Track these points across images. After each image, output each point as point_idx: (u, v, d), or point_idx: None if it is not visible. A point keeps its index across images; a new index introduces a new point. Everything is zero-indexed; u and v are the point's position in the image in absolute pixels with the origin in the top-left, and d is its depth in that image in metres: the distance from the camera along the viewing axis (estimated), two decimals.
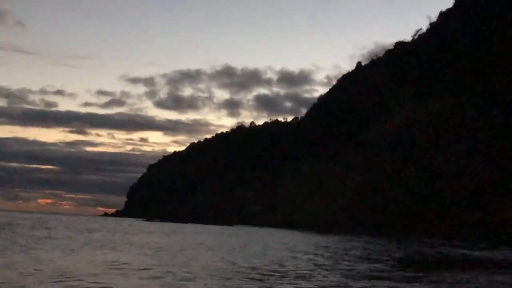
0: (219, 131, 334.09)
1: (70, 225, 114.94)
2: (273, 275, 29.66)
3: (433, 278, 31.43)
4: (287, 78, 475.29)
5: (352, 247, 66.92)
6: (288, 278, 28.80)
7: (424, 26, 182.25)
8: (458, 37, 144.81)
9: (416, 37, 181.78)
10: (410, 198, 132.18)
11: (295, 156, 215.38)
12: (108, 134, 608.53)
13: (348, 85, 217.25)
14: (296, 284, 25.97)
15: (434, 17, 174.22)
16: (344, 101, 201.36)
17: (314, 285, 25.76)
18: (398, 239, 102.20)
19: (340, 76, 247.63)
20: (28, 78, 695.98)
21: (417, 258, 53.05)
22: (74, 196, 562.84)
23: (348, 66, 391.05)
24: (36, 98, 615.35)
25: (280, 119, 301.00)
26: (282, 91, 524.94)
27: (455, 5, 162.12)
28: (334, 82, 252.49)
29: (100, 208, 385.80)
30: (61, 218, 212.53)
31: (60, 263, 31.23)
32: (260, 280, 26.24)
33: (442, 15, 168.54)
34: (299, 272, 31.90)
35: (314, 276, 29.96)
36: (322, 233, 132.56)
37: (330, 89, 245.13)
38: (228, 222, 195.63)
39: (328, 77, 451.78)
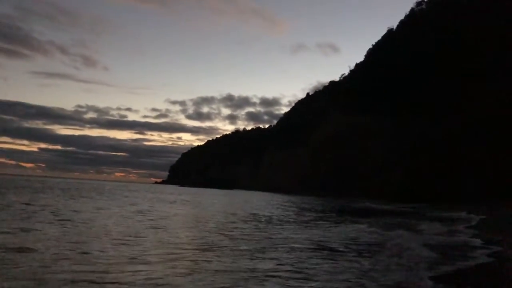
0: (224, 133, 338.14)
1: (140, 188, 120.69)
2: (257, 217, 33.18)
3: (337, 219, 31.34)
4: (265, 102, 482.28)
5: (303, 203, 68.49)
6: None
7: (346, 71, 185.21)
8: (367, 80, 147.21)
9: (341, 78, 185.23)
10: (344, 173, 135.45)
11: (270, 148, 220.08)
12: (158, 134, 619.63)
13: (301, 105, 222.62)
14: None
15: (352, 66, 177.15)
16: (299, 116, 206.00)
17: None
18: (335, 199, 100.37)
19: (296, 100, 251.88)
20: (110, 100, 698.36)
21: (337, 209, 50.75)
22: (137, 171, 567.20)
23: (301, 94, 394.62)
24: (114, 112, 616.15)
25: (261, 126, 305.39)
26: (262, 109, 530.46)
27: (364, 60, 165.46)
28: (293, 104, 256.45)
29: (152, 179, 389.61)
30: (130, 184, 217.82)
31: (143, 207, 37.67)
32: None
33: (357, 65, 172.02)
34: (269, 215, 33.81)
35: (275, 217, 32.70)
36: (286, 194, 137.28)
37: (291, 109, 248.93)
38: (229, 187, 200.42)
39: (289, 101, 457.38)
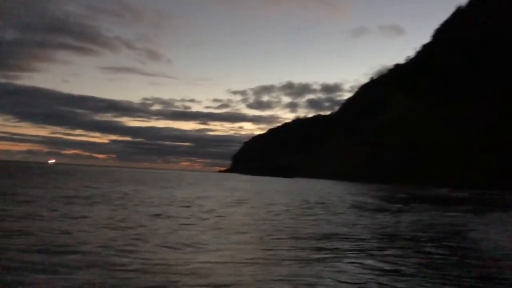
0: (284, 122, 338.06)
1: (203, 176, 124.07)
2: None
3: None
4: (326, 88, 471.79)
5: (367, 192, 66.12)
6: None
7: (411, 53, 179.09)
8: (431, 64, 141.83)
9: (407, 60, 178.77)
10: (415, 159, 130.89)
11: (332, 135, 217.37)
12: (220, 124, 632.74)
13: (363, 91, 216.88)
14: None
15: (418, 48, 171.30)
16: (361, 102, 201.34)
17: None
18: (407, 186, 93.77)
19: (359, 85, 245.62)
20: (174, 92, 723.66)
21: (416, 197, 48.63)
22: (201, 160, 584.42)
23: (364, 79, 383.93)
24: (179, 104, 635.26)
25: (322, 113, 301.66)
26: (323, 96, 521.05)
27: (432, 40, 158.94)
28: (355, 90, 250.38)
29: (216, 168, 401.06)
30: (195, 173, 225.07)
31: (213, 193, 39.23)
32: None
33: (423, 46, 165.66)
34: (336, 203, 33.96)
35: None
36: (349, 181, 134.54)
37: (353, 94, 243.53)
38: (291, 175, 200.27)
39: (351, 87, 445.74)
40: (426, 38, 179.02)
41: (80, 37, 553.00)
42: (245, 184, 71.80)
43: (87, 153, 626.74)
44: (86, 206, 19.59)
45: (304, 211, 23.92)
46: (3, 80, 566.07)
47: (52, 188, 32.14)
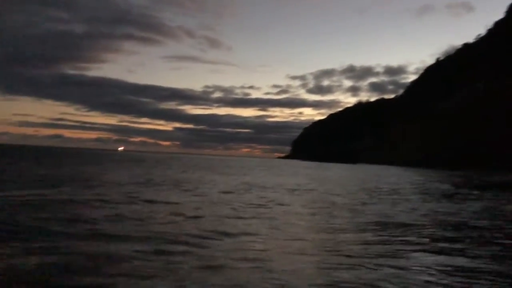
0: (346, 106, 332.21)
1: (265, 162, 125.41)
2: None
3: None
4: (389, 70, 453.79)
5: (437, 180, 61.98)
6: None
7: (482, 32, 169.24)
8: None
9: (477, 39, 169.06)
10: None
11: (396, 119, 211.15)
12: (280, 110, 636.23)
13: (430, 72, 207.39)
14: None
15: (490, 25, 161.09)
16: (427, 84, 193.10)
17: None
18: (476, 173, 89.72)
19: (424, 67, 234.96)
20: (234, 79, 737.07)
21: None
22: (261, 147, 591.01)
23: (430, 60, 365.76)
24: (238, 91, 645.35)
25: (386, 97, 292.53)
26: (386, 79, 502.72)
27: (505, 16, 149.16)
28: (421, 71, 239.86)
29: (276, 154, 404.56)
30: (256, 159, 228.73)
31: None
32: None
33: (496, 24, 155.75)
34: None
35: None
36: (417, 168, 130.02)
37: (419, 76, 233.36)
38: (352, 161, 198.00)
39: (417, 68, 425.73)
40: (499, 15, 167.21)
41: (144, 28, 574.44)
42: (309, 170, 72.24)
43: (152, 141, 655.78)
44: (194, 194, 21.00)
45: (375, 198, 23.55)
46: (73, 72, 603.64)
47: (147, 174, 34.45)
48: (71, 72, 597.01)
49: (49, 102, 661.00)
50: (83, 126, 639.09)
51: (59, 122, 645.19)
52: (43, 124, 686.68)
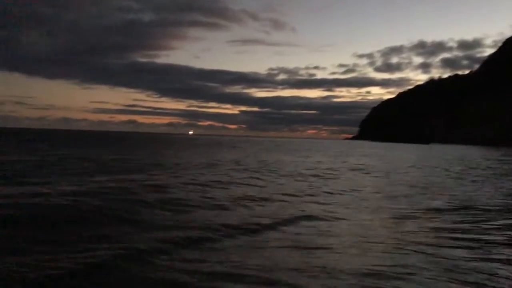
0: (416, 84, 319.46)
1: (332, 144, 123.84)
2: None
3: None
4: (464, 45, 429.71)
5: None
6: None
7: None
8: None
9: None
10: None
11: (471, 96, 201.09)
12: (346, 90, 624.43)
13: (509, 45, 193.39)
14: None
15: None
16: (507, 58, 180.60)
17: None
18: None
19: (503, 39, 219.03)
20: (298, 60, 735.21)
21: None
22: (327, 128, 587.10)
23: (510, 32, 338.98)
24: (303, 72, 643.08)
25: (460, 73, 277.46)
26: (460, 54, 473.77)
27: None
28: (499, 44, 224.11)
29: (343, 135, 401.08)
30: (322, 141, 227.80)
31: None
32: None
33: None
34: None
35: None
36: (493, 147, 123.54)
37: (497, 49, 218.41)
38: (424, 141, 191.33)
39: (494, 41, 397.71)
40: None
41: (209, 13, 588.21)
42: (381, 151, 71.07)
43: (220, 124, 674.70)
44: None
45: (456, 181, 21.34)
46: (144, 60, 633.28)
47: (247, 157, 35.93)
48: (142, 60, 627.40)
49: (122, 89, 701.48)
50: (155, 112, 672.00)
51: (133, 108, 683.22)
52: (117, 111, 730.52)
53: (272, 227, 8.99)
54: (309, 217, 10.15)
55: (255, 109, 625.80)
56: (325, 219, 10.11)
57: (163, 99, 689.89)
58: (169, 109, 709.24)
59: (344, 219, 10.21)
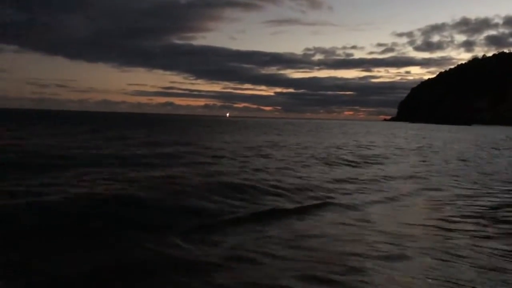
0: (459, 63, 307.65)
1: (372, 125, 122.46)
2: None
3: None
4: (510, 21, 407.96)
5: None
6: None
7: None
8: None
9: None
10: None
11: None
12: (385, 70, 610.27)
13: None
14: None
15: None
16: None
17: None
18: None
19: None
20: (335, 40, 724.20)
21: None
22: (365, 109, 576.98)
23: None
24: (340, 52, 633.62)
25: (506, 51, 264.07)
26: (507, 31, 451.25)
27: None
28: None
29: (381, 116, 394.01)
30: (361, 122, 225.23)
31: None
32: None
33: None
34: None
35: None
36: None
37: None
38: (467, 123, 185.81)
39: None
40: None
41: None
42: (420, 132, 70.34)
43: (255, 106, 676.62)
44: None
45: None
46: (180, 42, 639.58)
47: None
48: (178, 42, 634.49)
49: (159, 71, 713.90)
50: (191, 94, 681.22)
51: (170, 91, 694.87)
52: (155, 93, 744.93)
53: None
54: None
55: (291, 90, 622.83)
56: None
57: (199, 81, 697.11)
58: (205, 91, 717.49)
59: None
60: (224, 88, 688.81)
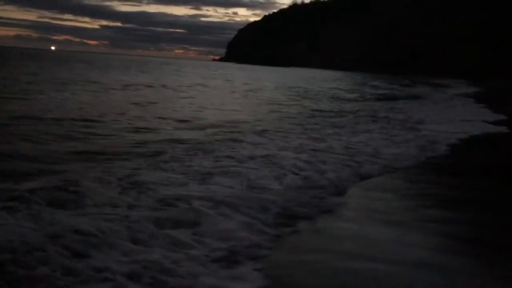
0: (281, 7, 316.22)
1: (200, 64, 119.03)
2: None
3: None
4: None
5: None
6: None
7: None
8: None
9: None
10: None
11: (330, 22, 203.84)
12: (213, 9, 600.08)
13: None
14: None
15: None
16: None
17: None
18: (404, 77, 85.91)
19: None
20: None
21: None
22: (195, 48, 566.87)
23: None
24: None
25: None
26: None
27: None
28: None
29: (210, 56, 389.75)
30: (191, 62, 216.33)
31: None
32: None
33: None
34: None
35: None
36: (352, 71, 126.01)
37: None
38: (286, 65, 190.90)
39: None
40: None
41: None
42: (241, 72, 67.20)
43: (78, 39, 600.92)
44: None
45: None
46: None
47: None
48: None
49: None
50: None
51: None
52: None
53: None
54: None
55: (118, 24, 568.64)
56: None
57: (7, 7, 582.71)
58: (15, 19, 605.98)
59: None
60: (39, 17, 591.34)
